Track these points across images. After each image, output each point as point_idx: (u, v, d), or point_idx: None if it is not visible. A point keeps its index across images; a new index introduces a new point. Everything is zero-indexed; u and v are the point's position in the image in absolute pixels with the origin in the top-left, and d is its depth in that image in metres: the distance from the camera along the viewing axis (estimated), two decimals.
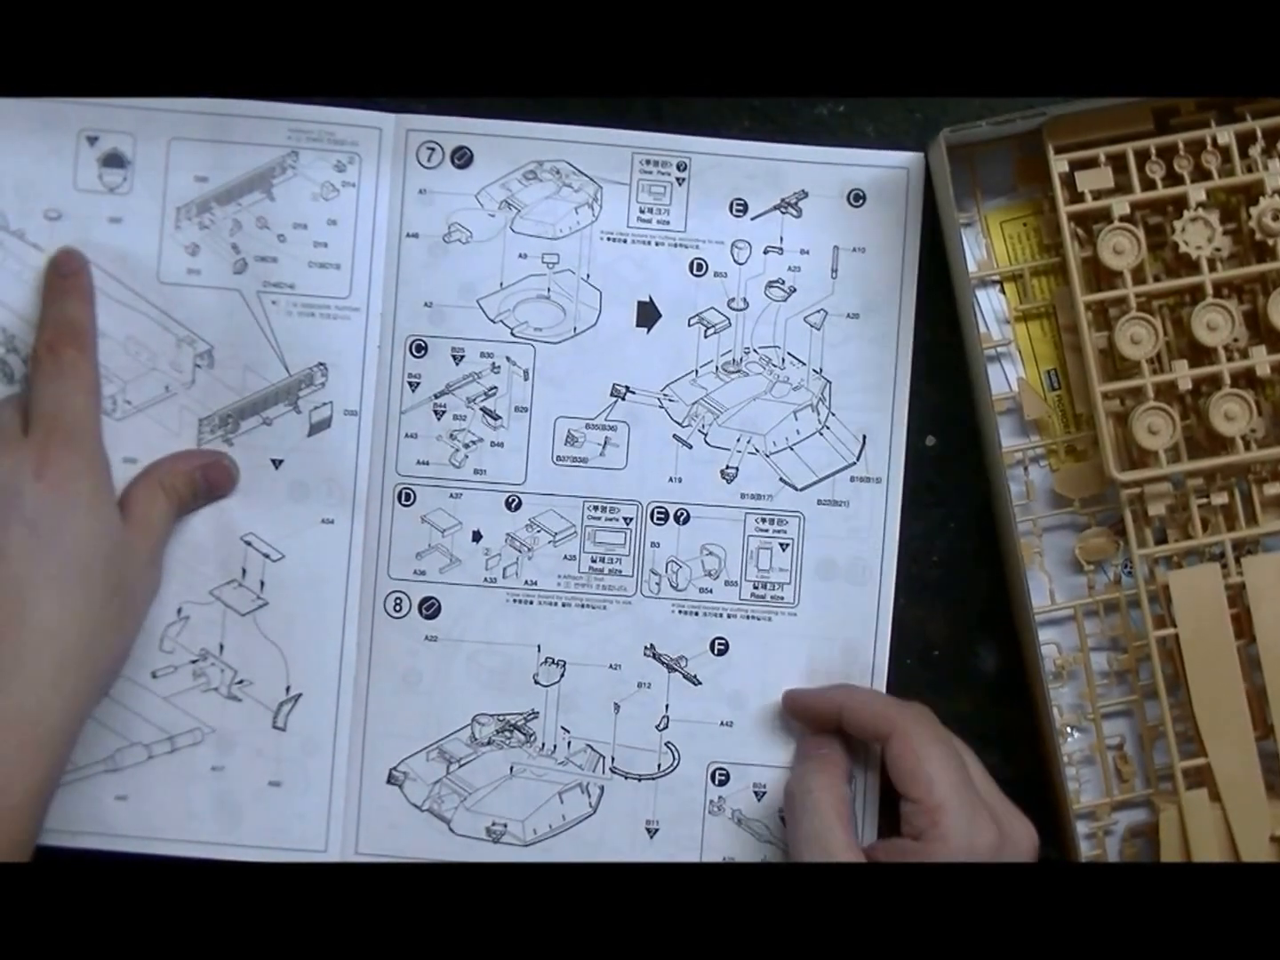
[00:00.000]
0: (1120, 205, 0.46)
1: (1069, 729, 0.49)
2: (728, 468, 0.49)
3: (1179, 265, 0.47)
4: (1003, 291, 0.49)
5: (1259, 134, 0.46)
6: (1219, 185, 0.46)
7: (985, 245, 0.49)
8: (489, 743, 0.49)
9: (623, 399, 0.49)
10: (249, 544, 0.49)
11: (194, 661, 0.49)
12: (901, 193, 0.48)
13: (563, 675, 0.49)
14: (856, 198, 0.49)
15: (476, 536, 0.49)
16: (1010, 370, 0.49)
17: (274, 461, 0.49)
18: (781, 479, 0.49)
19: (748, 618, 0.49)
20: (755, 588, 0.49)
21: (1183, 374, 0.46)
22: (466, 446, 0.49)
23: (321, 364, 0.49)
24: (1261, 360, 0.46)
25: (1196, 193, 0.46)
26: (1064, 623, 0.49)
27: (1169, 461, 0.47)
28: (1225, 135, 0.46)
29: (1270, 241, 0.46)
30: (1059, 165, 0.47)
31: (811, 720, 0.48)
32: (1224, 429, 0.46)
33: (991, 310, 0.49)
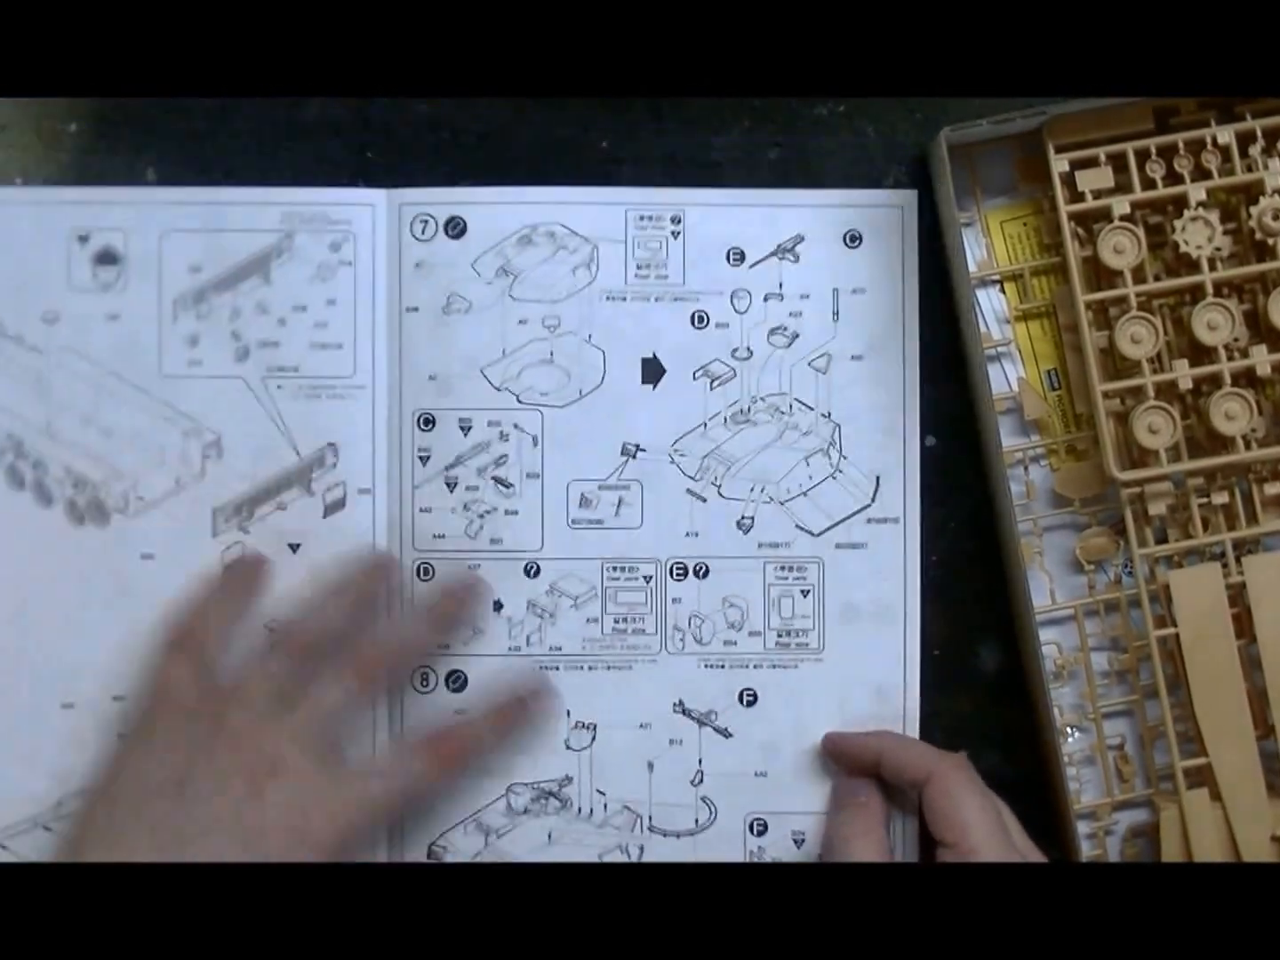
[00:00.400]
0: (1120, 205, 0.46)
1: (1069, 729, 0.49)
2: (743, 518, 0.49)
3: (1179, 265, 0.47)
4: (1003, 291, 0.49)
5: (1259, 134, 0.46)
6: (1219, 185, 0.46)
7: (985, 245, 0.49)
8: (525, 811, 0.48)
9: (634, 457, 0.49)
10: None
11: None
12: (897, 231, 0.48)
13: (594, 739, 0.49)
14: (853, 238, 0.48)
15: (498, 606, 0.49)
16: (1010, 370, 0.49)
17: (291, 546, 0.48)
18: (798, 526, 0.49)
19: (774, 667, 0.49)
20: (780, 636, 0.49)
21: (1183, 373, 0.46)
22: (481, 517, 0.49)
23: (331, 444, 0.48)
24: (1262, 360, 0.46)
25: (1196, 192, 0.46)
26: (1064, 622, 0.49)
27: (1169, 461, 0.47)
28: (1225, 135, 0.46)
29: (1270, 241, 0.46)
30: (1059, 165, 0.47)
31: (850, 765, 0.48)
32: (1224, 428, 0.46)
33: (991, 310, 0.49)
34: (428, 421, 0.48)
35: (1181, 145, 0.46)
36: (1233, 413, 0.46)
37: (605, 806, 0.49)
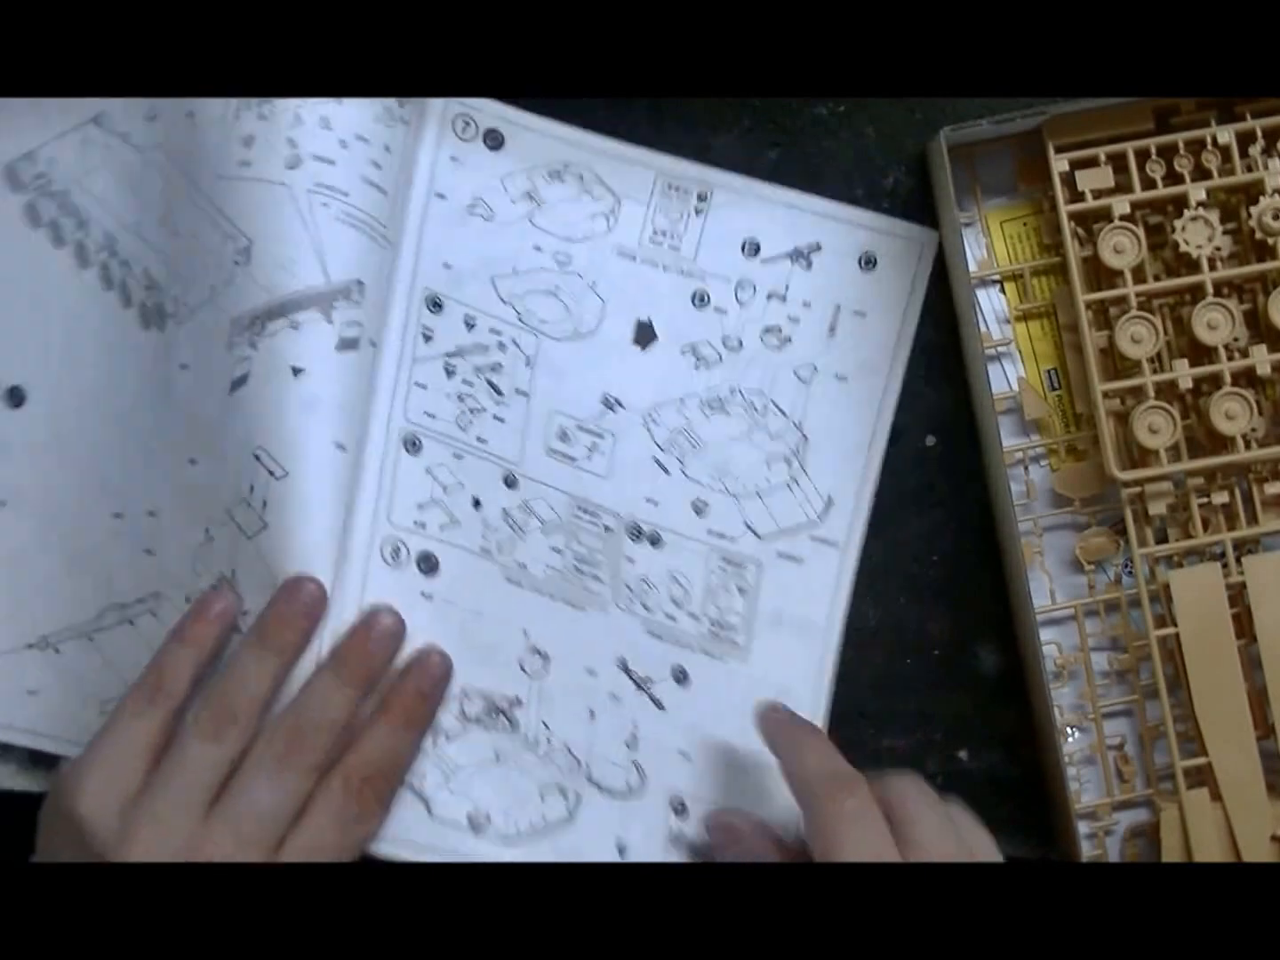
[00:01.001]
0: (1120, 204, 0.46)
1: (1069, 729, 0.49)
2: (699, 500, 0.49)
3: (1179, 264, 0.47)
4: (1003, 291, 0.49)
5: (1259, 134, 0.46)
6: (1219, 185, 0.46)
7: (985, 245, 0.49)
8: (478, 721, 0.48)
9: (612, 410, 0.49)
10: (258, 458, 0.46)
11: (214, 587, 0.47)
12: (912, 266, 0.48)
13: (545, 669, 0.49)
14: (868, 261, 0.48)
15: (476, 503, 0.49)
16: (1010, 370, 0.49)
17: (294, 369, 0.46)
18: (746, 524, 0.49)
19: (706, 654, 0.49)
20: (713, 625, 0.49)
21: (1183, 373, 0.46)
22: (472, 412, 0.49)
23: (360, 282, 0.47)
24: (1262, 359, 0.46)
25: (1196, 192, 0.46)
26: (1064, 622, 0.49)
27: (1169, 461, 0.47)
28: (1225, 135, 0.46)
29: (1270, 241, 0.46)
30: (1059, 165, 0.47)
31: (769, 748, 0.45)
32: (1224, 428, 0.46)
33: (991, 310, 0.49)
34: (436, 304, 0.48)
35: (1181, 145, 0.46)
36: (1233, 413, 0.46)
37: (549, 741, 0.48)
